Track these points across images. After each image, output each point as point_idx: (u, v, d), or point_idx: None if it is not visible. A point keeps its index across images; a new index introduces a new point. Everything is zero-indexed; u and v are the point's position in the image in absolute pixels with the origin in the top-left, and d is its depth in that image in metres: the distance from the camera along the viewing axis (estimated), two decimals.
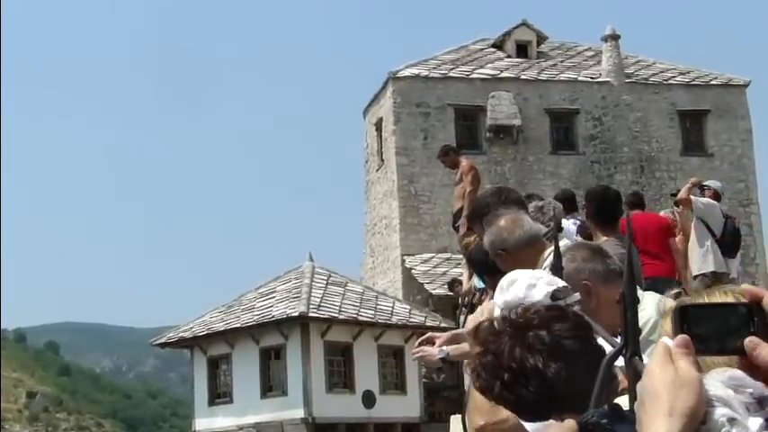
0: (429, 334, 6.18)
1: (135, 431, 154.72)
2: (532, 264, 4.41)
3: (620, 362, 2.25)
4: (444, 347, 5.61)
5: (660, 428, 1.47)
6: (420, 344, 5.84)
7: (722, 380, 1.56)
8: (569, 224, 8.95)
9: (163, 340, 35.32)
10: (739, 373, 1.57)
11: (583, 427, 1.93)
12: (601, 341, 2.72)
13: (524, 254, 4.62)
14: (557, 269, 3.72)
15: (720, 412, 1.51)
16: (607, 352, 2.41)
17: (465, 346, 5.56)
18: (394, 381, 32.90)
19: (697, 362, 1.53)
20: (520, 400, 2.44)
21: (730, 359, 1.60)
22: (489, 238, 4.94)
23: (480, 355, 2.61)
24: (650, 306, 4.14)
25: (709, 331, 1.58)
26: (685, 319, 1.59)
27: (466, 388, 8.70)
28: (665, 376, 1.51)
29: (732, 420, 1.50)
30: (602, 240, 7.35)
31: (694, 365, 1.52)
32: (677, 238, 11.88)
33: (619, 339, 2.22)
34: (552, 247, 4.02)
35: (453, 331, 6.57)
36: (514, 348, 2.48)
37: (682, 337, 1.55)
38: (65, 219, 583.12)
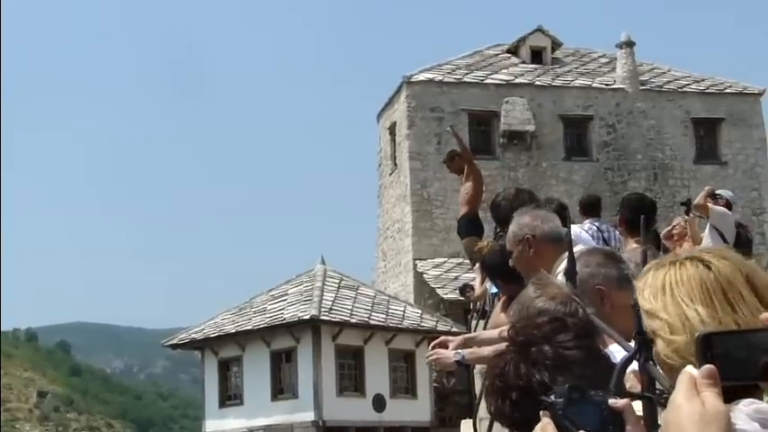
0: (443, 337, 6.20)
1: None
2: (551, 262, 4.44)
3: (632, 366, 2.27)
4: (460, 351, 5.63)
5: None
6: (434, 347, 5.85)
7: (748, 413, 1.55)
8: (581, 229, 8.96)
9: (174, 341, 35.36)
10: (764, 405, 1.56)
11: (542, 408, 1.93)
12: (614, 346, 2.73)
13: (547, 248, 4.66)
14: (571, 274, 3.74)
15: None
16: (618, 357, 2.43)
17: (480, 351, 5.58)
18: (404, 385, 32.89)
19: (722, 394, 1.49)
20: (530, 419, 2.44)
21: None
22: (520, 222, 4.94)
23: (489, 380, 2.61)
24: None
25: (734, 358, 1.54)
26: (709, 346, 1.55)
27: (477, 393, 8.71)
28: (692, 410, 1.47)
29: None
30: (633, 248, 7.37)
31: (720, 397, 1.48)
32: (686, 246, 11.87)
33: (633, 344, 2.23)
34: (565, 254, 4.04)
35: (466, 335, 6.59)
36: (519, 366, 2.46)
37: (707, 367, 1.51)
38: (77, 219, 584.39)
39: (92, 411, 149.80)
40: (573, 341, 2.46)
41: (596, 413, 1.63)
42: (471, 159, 11.58)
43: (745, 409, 1.56)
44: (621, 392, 2.13)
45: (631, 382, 2.53)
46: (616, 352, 2.62)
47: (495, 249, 6.69)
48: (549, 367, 2.42)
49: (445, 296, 34.46)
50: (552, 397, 1.81)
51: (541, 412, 1.87)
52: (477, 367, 8.81)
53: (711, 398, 1.47)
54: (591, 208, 9.91)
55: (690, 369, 1.53)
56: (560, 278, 3.86)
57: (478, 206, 11.52)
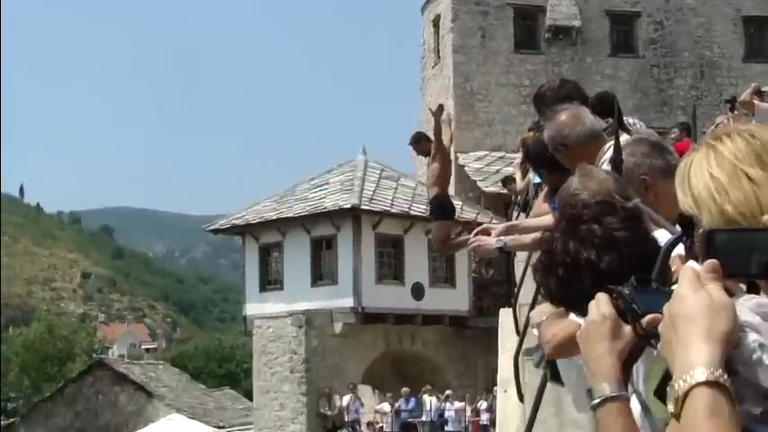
0: (485, 225, 6.33)
1: (186, 314, 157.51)
2: (591, 159, 4.47)
3: (677, 250, 2.37)
4: (502, 238, 5.73)
5: (700, 354, 1.48)
6: (476, 234, 5.96)
7: (750, 306, 1.59)
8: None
9: (215, 226, 35.75)
10: (765, 299, 1.61)
11: (610, 296, 2.03)
12: (660, 233, 2.81)
13: (584, 149, 4.65)
14: (616, 164, 3.80)
15: (752, 338, 1.55)
16: (663, 241, 2.52)
17: (522, 238, 5.69)
18: (443, 274, 33.19)
19: (726, 287, 1.54)
20: (575, 295, 2.44)
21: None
22: (549, 133, 4.98)
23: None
24: None
25: (735, 255, 1.58)
26: (712, 242, 1.60)
27: (517, 280, 8.87)
28: (699, 301, 1.51)
29: (762, 346, 1.54)
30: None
31: (724, 291, 1.53)
32: None
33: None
34: (611, 142, 4.09)
35: (508, 223, 6.71)
36: (567, 243, 2.51)
37: (711, 262, 1.56)
38: (123, 104, 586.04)
39: (134, 293, 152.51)
40: (621, 222, 2.53)
41: (666, 300, 1.63)
42: (441, 144, 11.17)
43: (746, 303, 1.59)
44: (666, 275, 2.22)
45: (676, 266, 2.62)
46: (662, 239, 2.69)
47: (539, 139, 6.74)
48: (597, 246, 2.48)
49: (486, 189, 34.54)
50: (620, 287, 1.92)
51: (600, 294, 1.99)
52: (518, 255, 8.97)
53: (717, 290, 1.52)
54: (608, 107, 9.61)
55: (692, 263, 1.59)
56: (606, 167, 3.92)
57: (447, 188, 11.15)
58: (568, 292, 2.51)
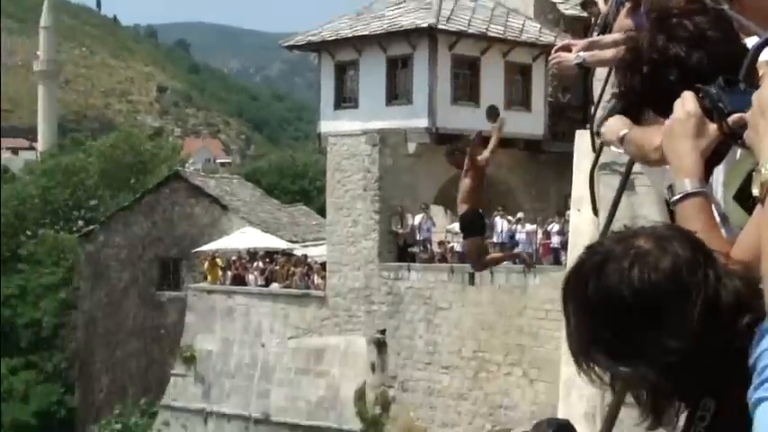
0: (566, 41, 6.24)
1: (260, 131, 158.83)
2: None
3: (765, 55, 2.32)
4: (581, 53, 5.68)
5: None
6: (557, 50, 5.90)
7: None
8: None
9: (291, 42, 35.69)
10: None
11: (697, 95, 2.01)
12: (749, 40, 2.76)
13: None
14: None
15: None
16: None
17: (602, 53, 5.62)
18: (519, 98, 32.93)
19: None
20: (660, 93, 2.38)
21: None
22: None
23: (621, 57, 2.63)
24: None
25: None
26: None
27: (595, 100, 8.77)
28: None
29: None
30: None
31: None
32: None
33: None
34: None
35: (590, 38, 6.62)
36: (656, 38, 2.44)
37: None
38: None
39: (209, 108, 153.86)
40: (711, 23, 2.47)
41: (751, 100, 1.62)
42: (474, 162, 10.83)
43: None
44: (753, 78, 2.19)
45: (764, 70, 2.58)
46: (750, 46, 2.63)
47: None
48: (686, 41, 2.43)
49: (566, 12, 33.83)
50: (707, 86, 1.90)
51: (686, 93, 1.97)
52: (596, 74, 8.85)
53: None
54: None
55: None
56: None
57: (477, 205, 10.87)
58: (653, 90, 2.44)
